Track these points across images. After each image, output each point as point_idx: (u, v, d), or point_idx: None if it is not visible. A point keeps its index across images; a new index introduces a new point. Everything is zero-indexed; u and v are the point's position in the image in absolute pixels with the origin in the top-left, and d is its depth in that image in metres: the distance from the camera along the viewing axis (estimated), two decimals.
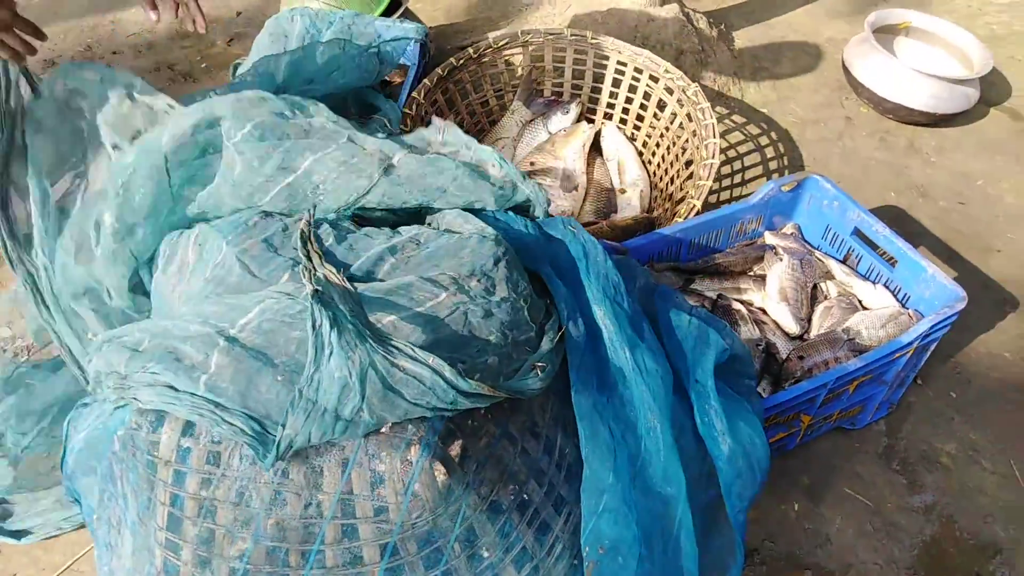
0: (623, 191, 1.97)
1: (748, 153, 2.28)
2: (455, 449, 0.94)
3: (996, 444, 1.60)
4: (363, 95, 2.03)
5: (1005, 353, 1.77)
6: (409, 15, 2.39)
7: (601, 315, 1.14)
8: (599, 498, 1.04)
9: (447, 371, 0.86)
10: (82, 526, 1.43)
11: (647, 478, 1.10)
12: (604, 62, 2.04)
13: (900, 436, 1.61)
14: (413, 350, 0.86)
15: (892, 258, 1.53)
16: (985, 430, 1.63)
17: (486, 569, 1.00)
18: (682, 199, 1.76)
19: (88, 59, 2.66)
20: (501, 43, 2.05)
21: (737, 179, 2.20)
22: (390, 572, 0.94)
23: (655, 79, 1.97)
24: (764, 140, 2.32)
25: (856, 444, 1.59)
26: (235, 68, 2.43)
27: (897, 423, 1.63)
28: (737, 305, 1.54)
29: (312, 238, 1.05)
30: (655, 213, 1.93)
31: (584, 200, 1.94)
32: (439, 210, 1.24)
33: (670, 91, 1.94)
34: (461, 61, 2.00)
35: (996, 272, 1.94)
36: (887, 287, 1.57)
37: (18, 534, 1.41)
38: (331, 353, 0.84)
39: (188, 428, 0.94)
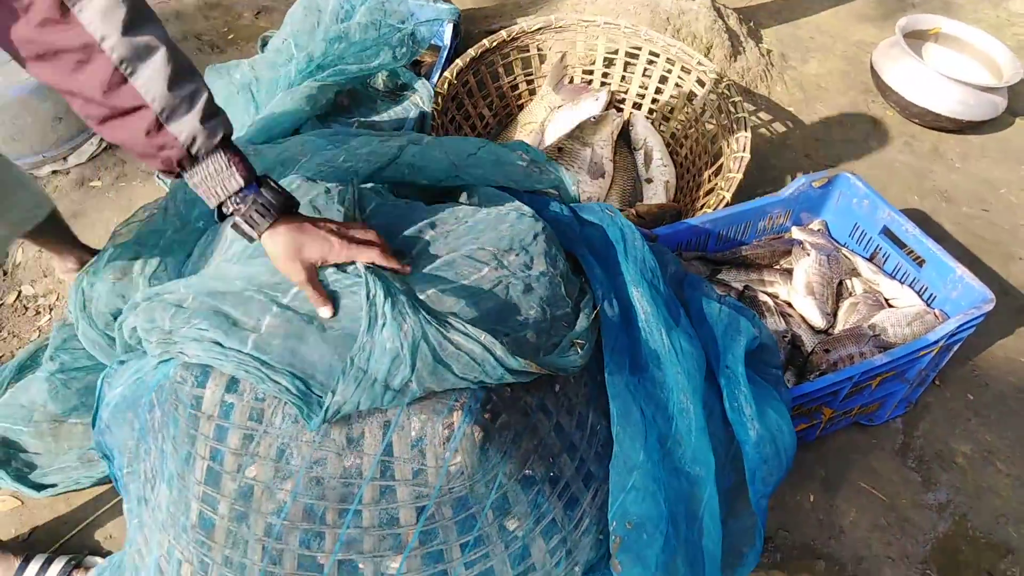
0: (649, 180, 1.98)
1: (773, 151, 2.29)
2: (495, 418, 0.96)
3: (1011, 447, 1.62)
4: (396, 73, 2.04)
5: (1022, 358, 1.78)
6: None
7: (638, 296, 1.15)
8: (628, 476, 1.05)
9: (498, 349, 0.87)
10: (103, 482, 1.44)
11: (676, 458, 1.11)
12: (636, 51, 2.05)
13: (917, 435, 1.63)
14: (465, 326, 0.87)
15: (920, 258, 1.54)
16: (1001, 433, 1.64)
17: (516, 539, 1.01)
18: (711, 190, 1.77)
19: None
20: (535, 28, 2.05)
21: (761, 176, 2.20)
22: (424, 535, 0.95)
23: (687, 71, 1.98)
24: (790, 139, 2.33)
25: (873, 440, 1.61)
26: (263, 41, 2.43)
27: (914, 421, 1.64)
28: (763, 297, 1.55)
29: (358, 205, 1.06)
30: (681, 204, 1.94)
31: (610, 187, 1.94)
32: (472, 187, 1.26)
33: (702, 83, 1.95)
34: (495, 43, 2.01)
35: (1016, 279, 1.95)
36: (912, 287, 1.58)
37: (40, 487, 1.43)
38: (384, 324, 0.85)
39: (232, 385, 0.95)
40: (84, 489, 1.46)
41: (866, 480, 1.55)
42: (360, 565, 0.95)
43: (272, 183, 0.89)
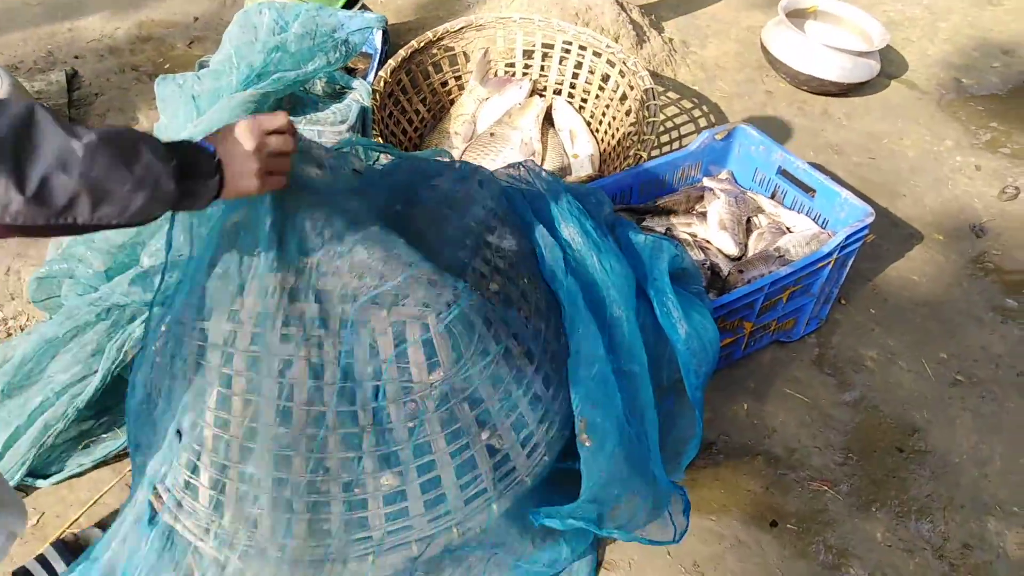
0: (576, 156, 2.18)
1: (684, 124, 2.53)
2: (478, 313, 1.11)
3: (910, 348, 1.86)
4: (334, 78, 2.20)
5: (914, 276, 2.03)
6: (366, 9, 2.57)
7: (569, 232, 1.33)
8: (591, 367, 1.21)
9: None
10: (102, 464, 1.54)
11: (616, 359, 1.29)
12: (551, 42, 2.26)
13: (830, 346, 1.85)
14: None
15: (811, 189, 1.77)
16: (901, 337, 1.88)
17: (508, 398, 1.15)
18: (629, 156, 1.98)
19: (51, 64, 2.75)
20: (457, 28, 2.24)
21: (676, 146, 2.44)
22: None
23: (598, 54, 2.20)
24: (697, 112, 2.58)
25: (792, 354, 1.82)
26: (200, 66, 2.56)
27: (827, 335, 1.87)
28: (684, 235, 1.76)
29: None
30: (606, 174, 2.14)
31: (542, 164, 2.14)
32: None
33: (612, 64, 2.17)
34: (422, 44, 2.19)
35: (903, 212, 2.22)
36: (808, 215, 1.81)
37: (45, 476, 1.51)
38: None
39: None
40: (86, 471, 1.54)
41: (790, 387, 1.76)
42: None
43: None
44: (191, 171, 0.84)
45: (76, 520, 1.48)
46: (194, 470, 1.15)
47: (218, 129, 0.93)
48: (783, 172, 1.83)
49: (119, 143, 0.77)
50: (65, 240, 1.79)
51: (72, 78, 2.67)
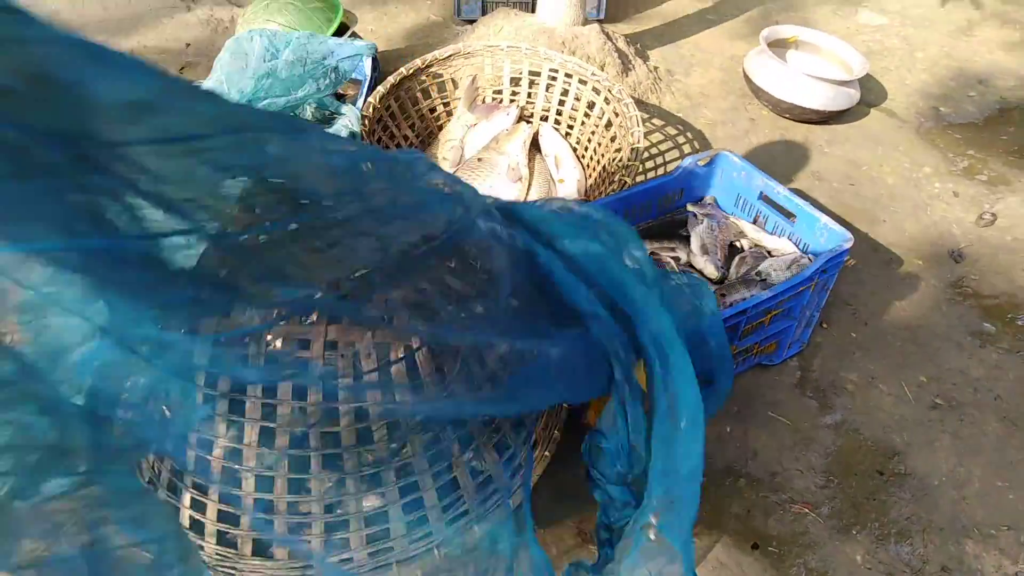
0: (562, 181, 2.22)
1: (668, 150, 2.57)
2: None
3: (890, 372, 1.88)
4: (324, 104, 2.23)
5: (894, 301, 2.07)
6: (356, 37, 2.62)
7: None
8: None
9: None
10: None
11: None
12: (538, 69, 2.30)
13: (811, 369, 1.87)
14: None
15: (792, 214, 1.81)
16: (881, 362, 1.90)
17: None
18: (615, 181, 2.01)
19: None
20: (446, 55, 2.28)
21: (661, 172, 2.48)
22: None
23: (584, 82, 2.24)
24: (681, 139, 2.62)
25: (775, 377, 1.84)
26: None
27: (808, 359, 1.89)
28: (667, 259, 1.79)
29: None
30: (592, 199, 2.18)
31: (528, 189, 2.17)
32: None
33: (597, 91, 2.21)
34: (411, 71, 2.23)
35: (883, 238, 2.26)
36: (789, 239, 1.84)
37: None
38: None
39: None
40: None
41: (772, 410, 1.78)
42: None
43: None
44: None
45: None
46: (174, 489, 1.15)
47: None
48: (764, 197, 1.87)
49: None
50: None
51: None
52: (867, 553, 1.53)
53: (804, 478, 1.65)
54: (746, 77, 2.76)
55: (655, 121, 2.67)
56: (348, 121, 2.08)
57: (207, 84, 2.19)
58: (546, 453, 1.29)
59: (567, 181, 2.21)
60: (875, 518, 1.59)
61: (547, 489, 1.52)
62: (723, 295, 1.68)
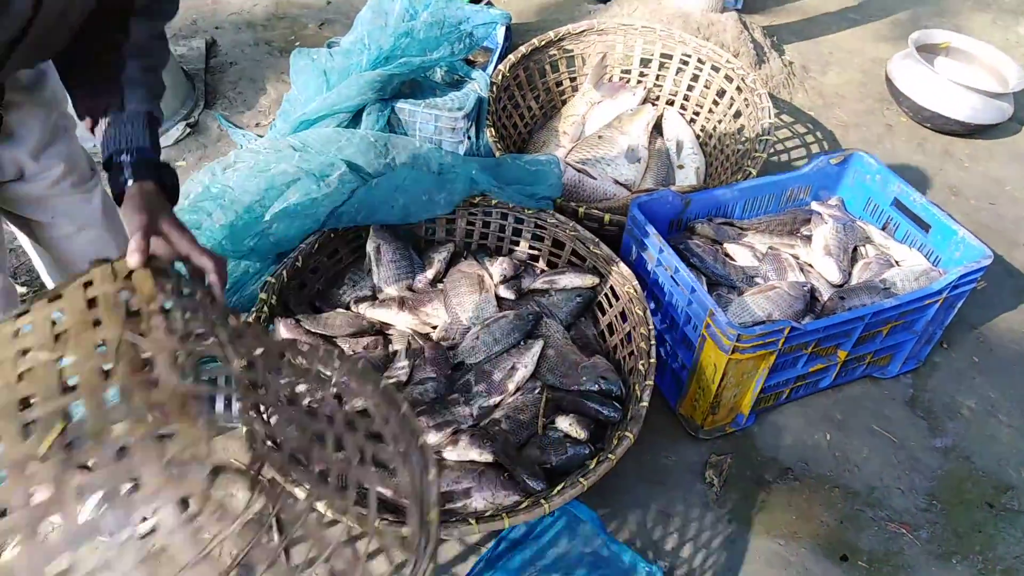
0: (681, 167, 2.18)
1: (794, 148, 2.49)
2: None
3: (1013, 403, 1.77)
4: (454, 67, 2.27)
5: None
6: (491, 6, 2.64)
7: None
8: None
9: None
10: None
11: None
12: (670, 52, 2.27)
13: (925, 389, 1.78)
14: None
15: (927, 225, 1.72)
16: (1004, 391, 1.79)
17: None
18: (738, 169, 1.96)
19: (194, 32, 2.94)
20: (579, 30, 2.28)
21: (785, 170, 2.40)
22: None
23: (716, 68, 2.19)
24: (810, 138, 2.53)
25: (885, 392, 1.77)
26: (328, 45, 2.69)
27: (923, 378, 1.80)
28: (786, 255, 1.74)
29: None
30: (709, 187, 2.13)
31: (645, 171, 2.15)
32: None
33: (730, 79, 2.16)
34: (543, 43, 2.24)
35: (1019, 262, 2.11)
36: (920, 251, 1.75)
37: None
38: None
39: None
40: None
41: (878, 424, 1.71)
42: None
43: (160, 165, 0.93)
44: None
45: None
46: None
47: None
48: (898, 204, 1.78)
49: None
50: (192, 192, 1.92)
51: (211, 47, 2.85)
52: None
53: (905, 498, 1.58)
54: (888, 80, 2.63)
55: (784, 117, 2.58)
56: (477, 86, 2.12)
57: (347, 41, 2.27)
58: (628, 434, 1.27)
59: (686, 167, 2.18)
60: (979, 551, 1.50)
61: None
62: (842, 298, 1.62)
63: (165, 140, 2.41)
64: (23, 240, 1.25)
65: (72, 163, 1.14)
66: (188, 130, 2.45)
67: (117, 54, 0.95)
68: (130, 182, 0.88)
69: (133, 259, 0.79)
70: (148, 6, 0.99)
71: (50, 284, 1.31)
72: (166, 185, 0.91)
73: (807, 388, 1.69)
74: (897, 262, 1.75)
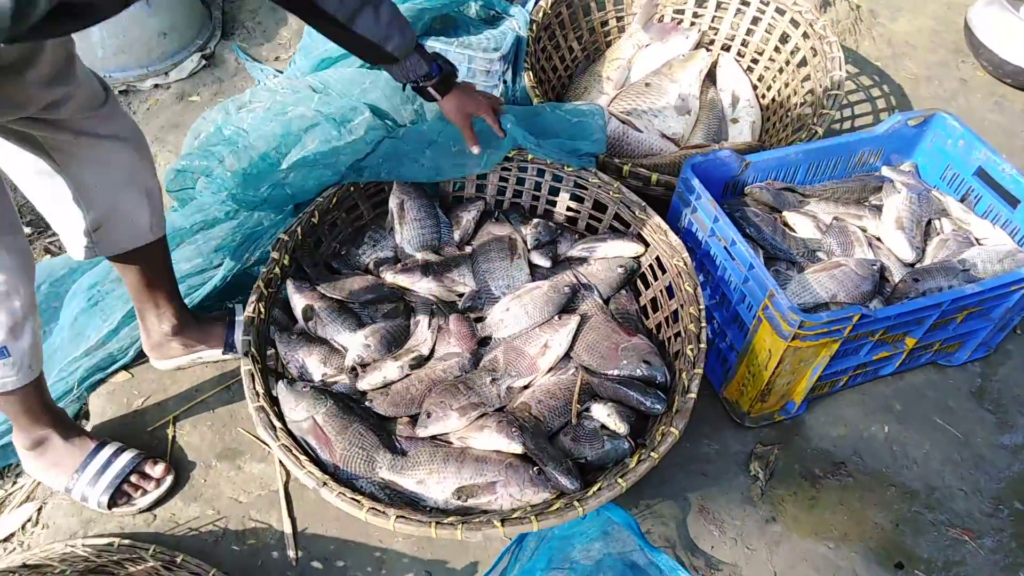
0: (735, 120, 1.99)
1: (858, 102, 2.27)
2: None
3: None
4: (491, 2, 2.07)
5: None
6: None
7: None
8: None
9: None
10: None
11: None
12: None
13: (995, 379, 1.63)
14: None
15: (1017, 199, 1.53)
16: None
17: None
18: (800, 127, 1.77)
19: None
20: None
21: (847, 127, 2.19)
22: None
23: (781, 11, 1.97)
24: (876, 92, 2.31)
25: (950, 380, 1.61)
26: None
27: (993, 366, 1.64)
28: (853, 228, 1.56)
29: None
30: (767, 145, 1.94)
31: (695, 125, 1.96)
32: None
33: (796, 24, 1.94)
34: None
35: None
36: (1004, 228, 1.57)
37: None
38: None
39: None
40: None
41: (941, 417, 1.56)
42: None
43: (443, 64, 1.31)
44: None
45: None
46: None
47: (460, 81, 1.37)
48: (982, 174, 1.59)
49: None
50: (203, 133, 1.78)
51: None
52: None
53: (968, 500, 1.45)
54: (966, 29, 2.37)
55: (849, 68, 2.35)
56: (515, 24, 1.92)
57: None
58: (673, 430, 1.14)
59: (741, 122, 1.98)
60: None
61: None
62: (916, 279, 1.45)
63: (179, 72, 2.25)
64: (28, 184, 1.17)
65: (87, 84, 1.11)
66: (203, 62, 2.28)
67: None
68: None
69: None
70: None
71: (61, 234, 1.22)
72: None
73: (866, 375, 1.54)
74: (978, 240, 1.57)
